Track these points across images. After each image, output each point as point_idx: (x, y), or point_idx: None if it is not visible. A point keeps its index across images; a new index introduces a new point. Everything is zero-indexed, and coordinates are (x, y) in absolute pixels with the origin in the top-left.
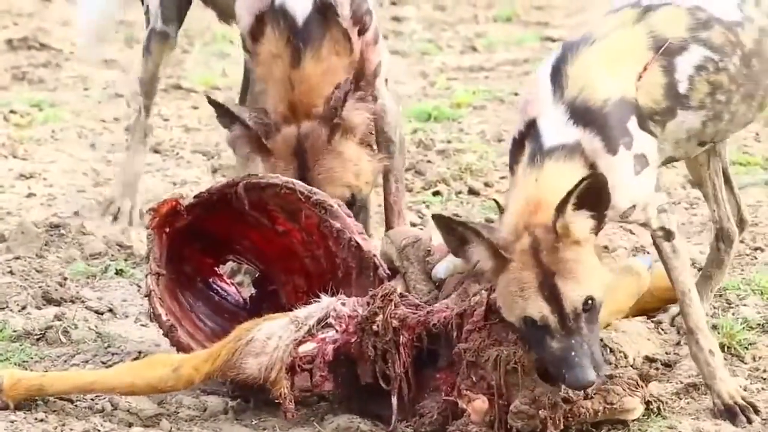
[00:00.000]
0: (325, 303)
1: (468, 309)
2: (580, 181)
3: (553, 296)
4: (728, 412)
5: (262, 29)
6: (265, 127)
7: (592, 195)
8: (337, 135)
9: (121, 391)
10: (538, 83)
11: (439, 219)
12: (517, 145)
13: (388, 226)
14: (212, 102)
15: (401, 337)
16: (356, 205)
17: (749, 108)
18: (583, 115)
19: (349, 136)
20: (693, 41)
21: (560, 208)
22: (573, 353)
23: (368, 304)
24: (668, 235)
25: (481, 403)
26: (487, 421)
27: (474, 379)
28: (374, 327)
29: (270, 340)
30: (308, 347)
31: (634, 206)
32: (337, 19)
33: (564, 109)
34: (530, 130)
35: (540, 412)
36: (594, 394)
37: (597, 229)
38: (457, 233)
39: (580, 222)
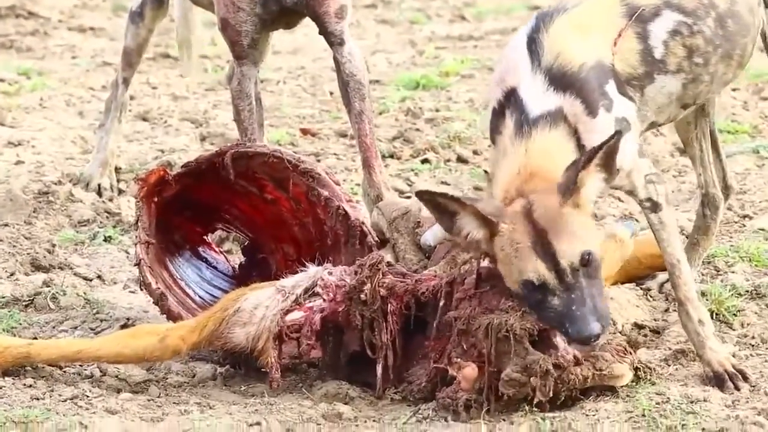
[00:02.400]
0: (312, 272)
1: (458, 277)
2: (608, 140)
3: (548, 254)
4: (717, 380)
5: None
6: None
7: (609, 157)
8: None
9: (107, 359)
10: (513, 53)
11: (422, 194)
12: (498, 115)
13: (366, 164)
14: None
15: (389, 305)
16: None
17: (728, 67)
18: (561, 80)
19: None
20: (665, 7)
21: (585, 165)
22: (574, 308)
23: (356, 273)
24: (655, 206)
25: (471, 370)
26: (477, 388)
27: (464, 346)
28: (362, 296)
29: (257, 309)
30: (295, 316)
31: (618, 170)
32: None
33: (542, 77)
34: (510, 99)
35: (531, 379)
36: (583, 360)
37: (601, 195)
38: (442, 207)
39: (593, 183)
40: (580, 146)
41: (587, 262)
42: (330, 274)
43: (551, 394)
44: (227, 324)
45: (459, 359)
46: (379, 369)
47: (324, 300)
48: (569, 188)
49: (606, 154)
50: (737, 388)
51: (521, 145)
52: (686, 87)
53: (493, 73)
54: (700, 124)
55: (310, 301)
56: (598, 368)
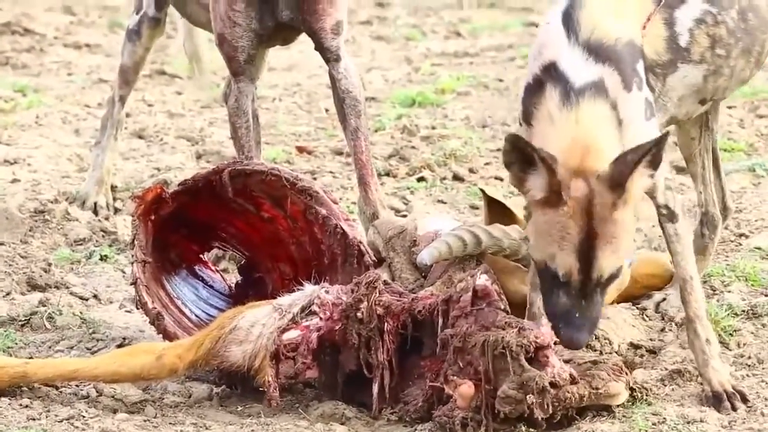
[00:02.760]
0: (309, 291)
1: (454, 295)
2: (659, 140)
3: (586, 259)
4: (715, 399)
5: None
6: None
7: (657, 155)
8: None
9: (104, 379)
10: (550, 28)
11: (512, 139)
12: (534, 90)
13: (362, 182)
14: None
15: (386, 324)
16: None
17: (747, 63)
18: (599, 51)
19: None
20: None
21: (633, 163)
22: (577, 314)
23: (352, 291)
24: (672, 215)
25: (467, 388)
26: (474, 406)
27: (461, 364)
28: (358, 314)
29: (253, 327)
30: (292, 335)
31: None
32: None
33: (581, 49)
34: (550, 73)
35: (527, 397)
36: (579, 378)
37: (650, 188)
38: (525, 154)
39: (641, 181)
40: (617, 116)
41: (612, 278)
42: (327, 292)
43: (549, 412)
44: (224, 342)
45: (455, 377)
46: (375, 388)
47: (321, 318)
48: (621, 186)
49: (655, 153)
50: (734, 409)
51: (571, 114)
52: (707, 79)
53: (530, 51)
54: (704, 140)
55: (306, 320)
56: (594, 387)
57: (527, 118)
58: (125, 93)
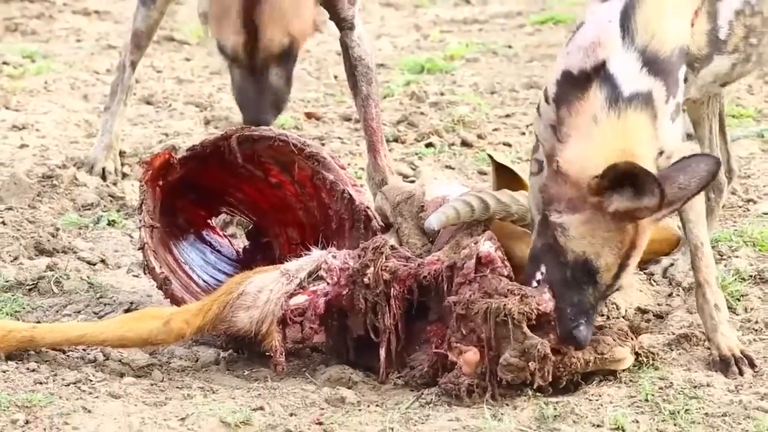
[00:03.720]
0: (316, 256)
1: (458, 262)
2: (705, 176)
3: (622, 266)
4: (722, 363)
5: None
6: None
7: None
8: None
9: (111, 343)
10: (606, 26)
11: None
12: (577, 82)
13: (372, 149)
14: None
15: (392, 289)
16: (291, 54)
17: None
18: (654, 64)
19: None
20: None
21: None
22: (594, 314)
23: (359, 256)
24: None
25: (472, 355)
26: (478, 373)
27: (464, 331)
28: (365, 279)
29: (261, 293)
30: (299, 300)
31: (661, 153)
32: None
33: (637, 56)
34: (600, 72)
35: (530, 364)
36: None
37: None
38: (640, 180)
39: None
40: (656, 127)
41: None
42: (334, 257)
43: (550, 379)
44: (231, 308)
45: (459, 344)
46: (382, 353)
47: (328, 284)
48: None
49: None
50: (741, 373)
51: (616, 121)
52: (734, 67)
53: (574, 37)
54: (712, 104)
55: (314, 285)
56: (599, 352)
57: (559, 101)
58: (137, 58)
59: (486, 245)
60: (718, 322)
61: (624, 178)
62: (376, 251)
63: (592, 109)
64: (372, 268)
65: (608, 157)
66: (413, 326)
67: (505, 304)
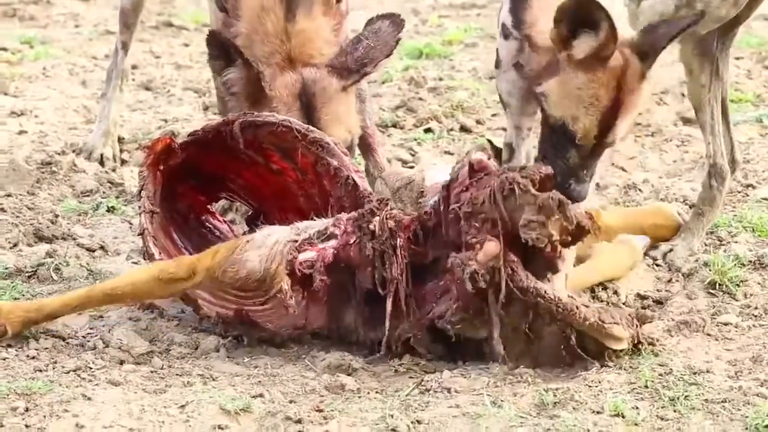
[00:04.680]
0: (324, 221)
1: (451, 175)
2: (692, 19)
3: (607, 126)
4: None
5: None
6: (263, 73)
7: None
8: (354, 84)
9: (121, 294)
10: None
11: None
12: None
13: (370, 149)
14: (212, 36)
15: (398, 239)
16: (352, 152)
17: (723, 1)
18: None
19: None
20: None
21: (665, 42)
22: (584, 171)
23: (365, 205)
24: None
25: (493, 246)
26: (489, 267)
27: (477, 225)
28: (371, 226)
29: (270, 236)
30: (308, 255)
31: None
32: None
33: None
34: None
35: (549, 219)
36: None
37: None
38: (588, 12)
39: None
40: None
41: (618, 140)
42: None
43: (574, 222)
44: (240, 250)
45: (476, 239)
46: (388, 304)
47: (336, 235)
48: (651, 57)
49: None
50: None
51: None
52: (678, 9)
53: None
54: (714, 89)
55: (323, 243)
56: (601, 318)
57: (518, 25)
58: (126, 39)
59: (477, 154)
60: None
61: (576, 17)
62: (381, 202)
63: None
64: (377, 216)
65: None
66: (427, 287)
67: (506, 177)
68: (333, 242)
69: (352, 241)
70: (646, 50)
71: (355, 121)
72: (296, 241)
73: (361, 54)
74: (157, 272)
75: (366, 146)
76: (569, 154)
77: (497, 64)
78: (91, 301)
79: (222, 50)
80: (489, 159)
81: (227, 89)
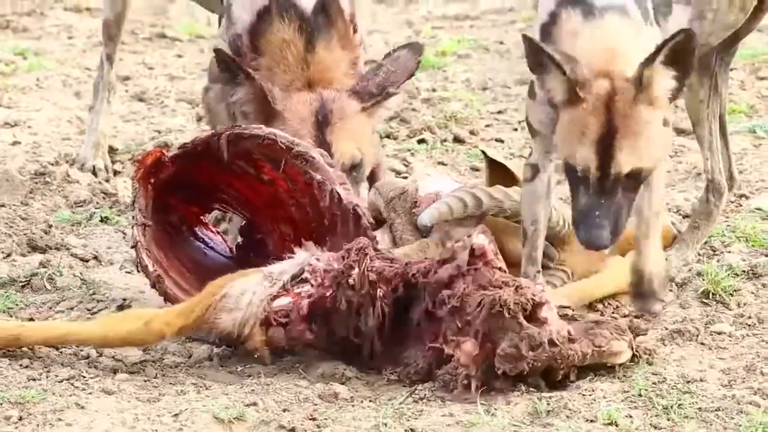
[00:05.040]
0: (300, 259)
1: (449, 255)
2: (673, 36)
3: (606, 154)
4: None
5: (268, 20)
6: (274, 91)
7: (680, 54)
8: (374, 109)
9: (94, 343)
10: None
11: (527, 39)
12: (553, 21)
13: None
14: (220, 55)
15: (378, 290)
16: (361, 170)
17: (731, 7)
18: None
19: (370, 117)
20: None
21: (649, 60)
22: (597, 213)
23: (343, 258)
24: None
25: (470, 345)
26: (476, 364)
27: (459, 324)
28: (350, 281)
29: (243, 295)
30: (283, 302)
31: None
32: (342, 15)
33: None
34: (565, 3)
35: (528, 354)
36: (581, 338)
37: (674, 95)
38: (539, 57)
39: (662, 80)
40: (637, 29)
41: (634, 177)
42: (318, 260)
43: (545, 369)
44: (214, 310)
45: (455, 337)
46: (365, 354)
47: (312, 285)
48: (638, 82)
49: (673, 50)
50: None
51: (595, 26)
52: (691, 24)
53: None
54: (712, 104)
55: (297, 287)
56: (597, 345)
57: (548, 39)
58: (111, 51)
59: (479, 238)
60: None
61: (535, 63)
62: (360, 252)
63: (571, 28)
64: (357, 269)
65: (588, 51)
66: (403, 325)
67: (500, 296)
68: (308, 288)
69: (328, 294)
70: (641, 77)
71: (369, 143)
72: (270, 295)
73: (383, 78)
74: (125, 334)
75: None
76: (579, 193)
77: (531, 95)
78: (66, 341)
79: (229, 68)
80: (490, 243)
81: (239, 111)
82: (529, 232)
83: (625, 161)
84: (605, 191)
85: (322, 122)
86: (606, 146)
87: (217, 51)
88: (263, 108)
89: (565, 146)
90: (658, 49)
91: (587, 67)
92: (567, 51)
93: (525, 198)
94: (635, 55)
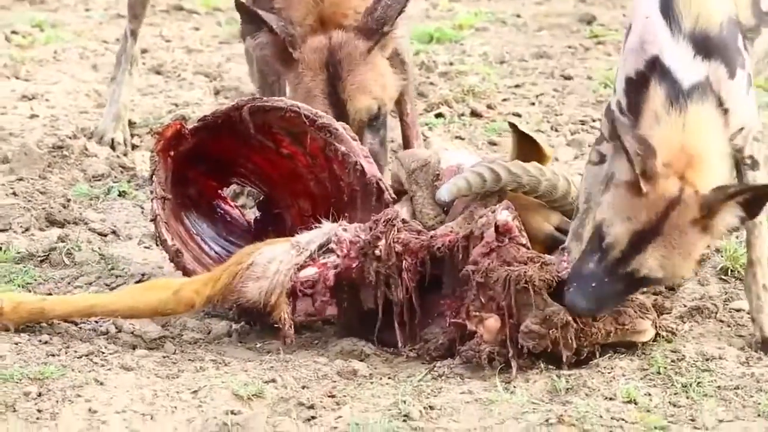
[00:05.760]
0: (327, 228)
1: (475, 231)
2: (758, 187)
3: (637, 246)
4: (764, 344)
5: None
6: (292, 37)
7: (756, 204)
8: (377, 47)
9: (121, 314)
10: (649, 22)
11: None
12: (637, 85)
13: (407, 145)
14: (240, 6)
15: (404, 262)
16: (380, 118)
17: None
18: (706, 46)
19: (382, 51)
20: None
21: (726, 196)
22: (592, 284)
23: (370, 229)
24: (754, 164)
25: (494, 321)
26: (499, 340)
27: (483, 300)
28: (376, 252)
29: (271, 264)
30: (309, 272)
31: (741, 128)
32: None
33: (686, 43)
34: (655, 68)
35: (551, 332)
36: (605, 316)
37: (731, 231)
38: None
39: (728, 216)
40: (723, 110)
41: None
42: (344, 230)
43: (574, 347)
44: (241, 278)
45: (478, 312)
46: (397, 326)
47: (338, 256)
48: (705, 208)
49: (753, 198)
50: None
51: (679, 118)
52: None
53: (626, 42)
54: None
55: (324, 258)
56: (620, 323)
57: (632, 110)
58: (135, 27)
59: (504, 214)
60: (765, 303)
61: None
62: (388, 224)
63: (654, 110)
64: (383, 241)
65: (670, 160)
66: (426, 300)
67: (525, 272)
68: (335, 258)
69: (354, 266)
70: (710, 204)
71: (382, 85)
72: (297, 264)
73: (380, 13)
74: (156, 304)
75: (403, 139)
76: (591, 257)
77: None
78: (92, 313)
79: (251, 18)
80: (514, 220)
81: (259, 51)
82: (581, 208)
83: (650, 263)
84: (615, 272)
85: (333, 75)
86: (642, 241)
87: (239, 4)
88: (282, 54)
89: (606, 213)
90: (740, 191)
91: (662, 161)
92: (645, 134)
93: (587, 178)
94: (716, 159)
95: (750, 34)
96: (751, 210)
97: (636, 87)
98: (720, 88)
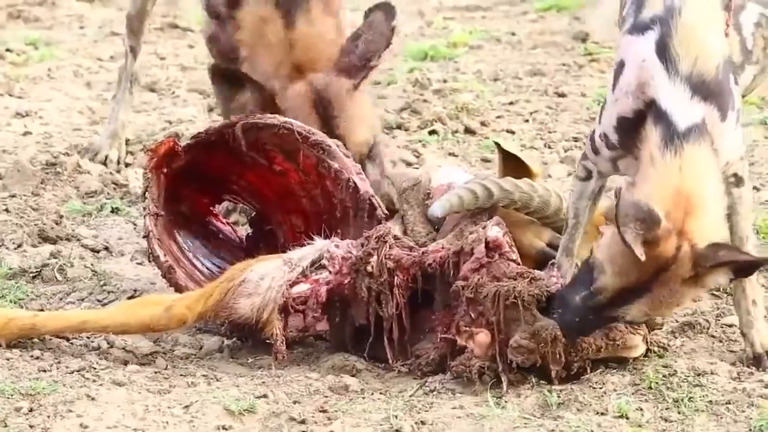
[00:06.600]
0: (319, 245)
1: (465, 247)
2: (750, 261)
3: (624, 297)
4: (756, 359)
5: None
6: (273, 88)
7: (745, 271)
8: (364, 83)
9: (113, 330)
10: (646, 65)
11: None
12: (633, 123)
13: None
14: (217, 70)
15: (396, 278)
16: (376, 147)
17: None
18: (703, 89)
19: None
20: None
21: (719, 264)
22: (576, 319)
23: (362, 245)
24: (739, 181)
25: (484, 336)
26: (489, 355)
27: (472, 315)
28: (368, 268)
29: (263, 280)
30: (301, 288)
31: (727, 163)
32: None
33: (684, 86)
34: (651, 109)
35: (540, 346)
36: (596, 331)
37: (718, 288)
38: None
39: (718, 277)
40: (714, 150)
41: (633, 323)
42: (337, 246)
43: (562, 362)
44: (233, 294)
45: (468, 328)
46: (387, 342)
47: (330, 272)
48: (696, 268)
49: (745, 266)
50: None
51: (674, 161)
52: (755, 79)
53: (618, 82)
54: None
55: (316, 274)
56: (611, 338)
57: (625, 146)
58: (134, 44)
59: (494, 230)
60: (754, 318)
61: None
62: (380, 240)
63: (650, 151)
64: (375, 257)
65: (667, 207)
66: (417, 315)
67: (514, 287)
68: (326, 275)
69: (346, 282)
70: (701, 261)
71: (371, 115)
72: (289, 280)
73: (363, 49)
74: (148, 320)
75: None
76: (578, 291)
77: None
78: (83, 329)
79: (227, 78)
80: (504, 236)
81: (240, 111)
82: (570, 224)
83: (634, 312)
84: (596, 318)
85: (325, 115)
86: (629, 294)
87: (216, 68)
88: (267, 109)
89: (604, 256)
90: (732, 261)
91: (662, 210)
92: (641, 177)
93: (574, 193)
94: (712, 202)
95: (737, 70)
96: (740, 275)
97: (630, 125)
98: (713, 130)
